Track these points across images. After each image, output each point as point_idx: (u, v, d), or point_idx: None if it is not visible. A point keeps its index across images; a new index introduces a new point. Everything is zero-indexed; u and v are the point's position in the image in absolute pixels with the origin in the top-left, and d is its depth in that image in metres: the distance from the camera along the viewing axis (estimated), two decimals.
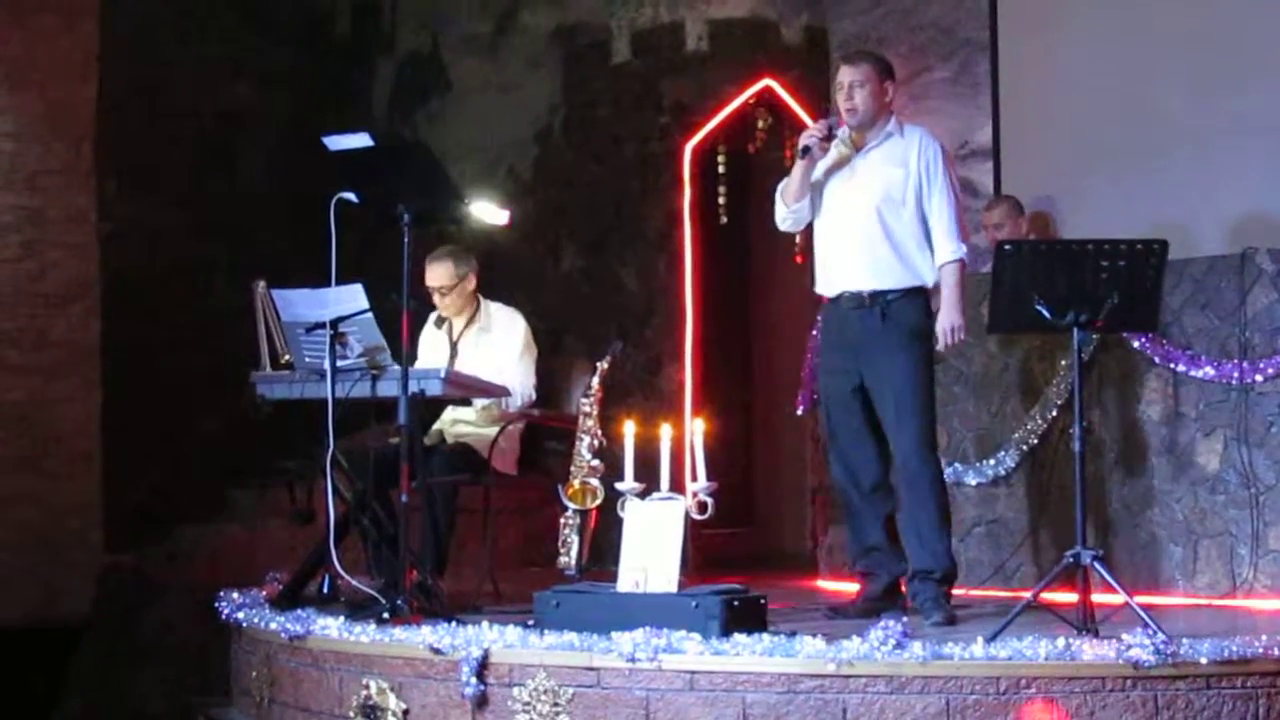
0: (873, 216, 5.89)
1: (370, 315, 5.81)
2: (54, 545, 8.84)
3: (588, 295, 9.70)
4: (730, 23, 9.40)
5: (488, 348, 6.66)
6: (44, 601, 8.70)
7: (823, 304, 6.17)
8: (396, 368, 5.80)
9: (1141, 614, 5.00)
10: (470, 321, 6.74)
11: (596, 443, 6.24)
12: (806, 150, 5.89)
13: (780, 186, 6.09)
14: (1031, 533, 7.01)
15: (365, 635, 5.43)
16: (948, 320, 5.85)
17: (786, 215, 6.09)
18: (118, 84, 9.22)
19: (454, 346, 6.71)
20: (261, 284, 6.21)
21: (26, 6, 8.94)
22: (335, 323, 5.81)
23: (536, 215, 9.72)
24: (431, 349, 6.72)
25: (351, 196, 5.89)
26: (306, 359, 5.99)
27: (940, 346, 5.91)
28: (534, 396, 6.63)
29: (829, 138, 5.94)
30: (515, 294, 7.29)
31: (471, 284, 6.73)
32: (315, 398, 5.93)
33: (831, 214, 6.02)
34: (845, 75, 5.97)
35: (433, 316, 6.77)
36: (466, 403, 6.53)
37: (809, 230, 6.24)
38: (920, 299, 5.92)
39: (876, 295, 5.88)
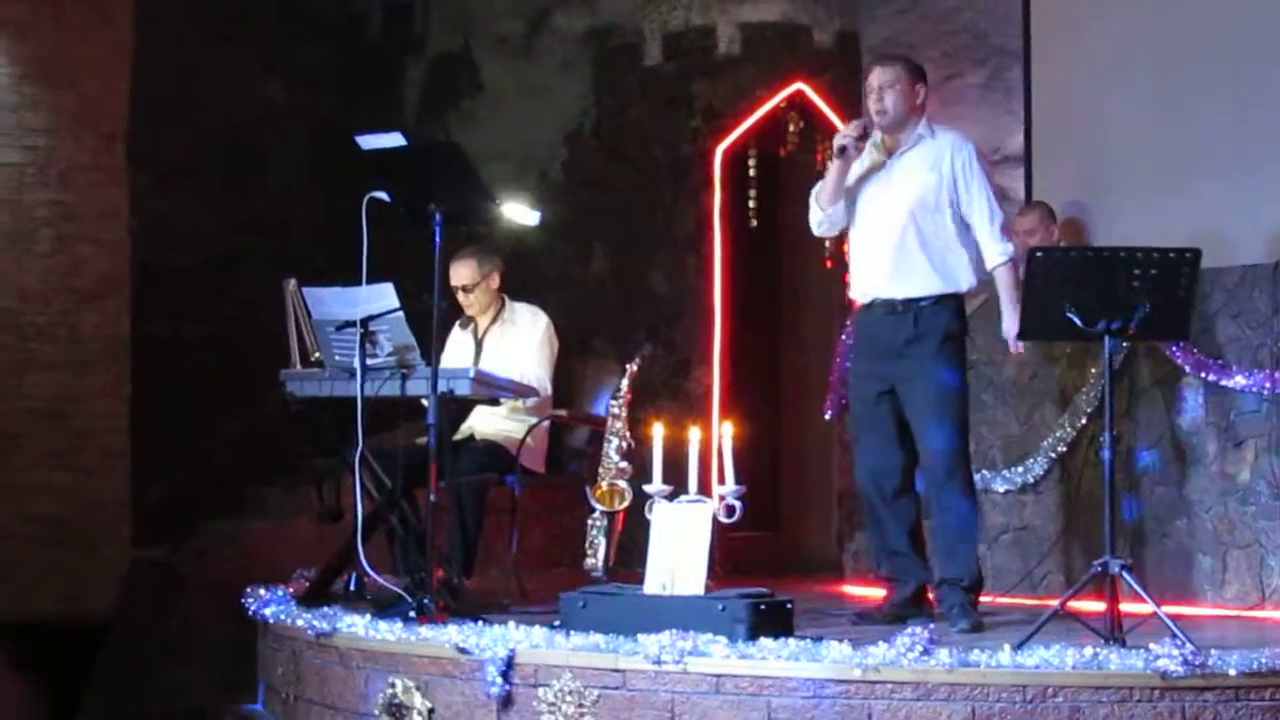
0: (907, 221, 5.87)
1: (401, 314, 5.82)
2: (82, 540, 8.84)
3: (617, 297, 9.70)
4: (762, 26, 9.38)
5: (511, 341, 6.68)
6: (71, 596, 8.71)
7: (855, 309, 6.15)
8: (426, 367, 5.81)
9: (1170, 624, 4.98)
10: (495, 320, 6.77)
11: (625, 444, 6.24)
12: (842, 150, 5.88)
13: (815, 190, 6.07)
14: (1059, 541, 6.98)
15: (391, 633, 5.44)
16: (1011, 325, 5.81)
17: (822, 219, 6.07)
18: (151, 81, 9.23)
19: (479, 344, 6.73)
20: (293, 282, 6.23)
21: (60, 3, 8.96)
22: (365, 321, 5.82)
23: (567, 217, 9.72)
24: (456, 350, 6.73)
25: (383, 195, 5.90)
26: (336, 357, 6.00)
27: (1013, 350, 5.89)
28: (549, 391, 6.65)
29: (864, 137, 5.93)
30: (544, 295, 7.29)
31: (495, 282, 6.75)
32: (345, 396, 5.94)
33: (866, 220, 6.00)
34: (875, 78, 5.96)
35: (459, 320, 6.79)
36: (495, 402, 6.54)
37: (839, 235, 6.23)
38: (954, 304, 5.91)
39: (910, 302, 5.86)
